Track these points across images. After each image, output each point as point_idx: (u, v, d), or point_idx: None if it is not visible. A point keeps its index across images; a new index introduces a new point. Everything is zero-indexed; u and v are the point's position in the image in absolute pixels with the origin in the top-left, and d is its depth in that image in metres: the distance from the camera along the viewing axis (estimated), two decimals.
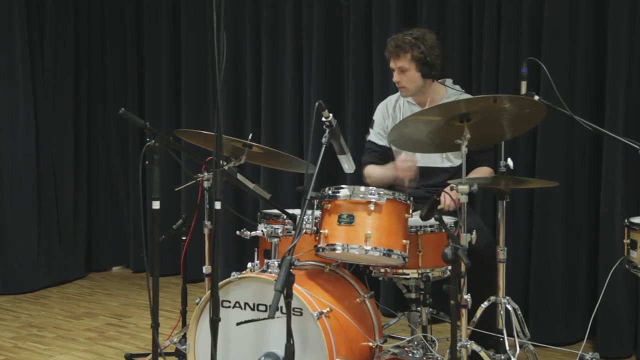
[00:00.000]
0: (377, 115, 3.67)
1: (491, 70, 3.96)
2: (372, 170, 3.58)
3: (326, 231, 2.84)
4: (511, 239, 3.65)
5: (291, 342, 2.45)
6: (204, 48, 5.21)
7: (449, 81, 3.57)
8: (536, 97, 2.91)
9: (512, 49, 3.88)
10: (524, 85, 3.02)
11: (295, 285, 2.49)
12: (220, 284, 2.70)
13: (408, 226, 2.91)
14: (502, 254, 3.06)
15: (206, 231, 3.34)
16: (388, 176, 3.47)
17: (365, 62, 4.45)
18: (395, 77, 3.45)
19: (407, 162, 3.36)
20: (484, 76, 3.99)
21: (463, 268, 2.64)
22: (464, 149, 2.79)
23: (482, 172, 3.49)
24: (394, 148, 3.54)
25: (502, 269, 3.06)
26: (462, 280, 2.72)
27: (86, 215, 5.57)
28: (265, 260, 2.91)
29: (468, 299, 2.82)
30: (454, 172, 3.51)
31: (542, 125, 3.64)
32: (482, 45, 4.01)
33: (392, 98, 3.67)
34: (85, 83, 5.53)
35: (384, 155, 3.62)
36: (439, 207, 2.81)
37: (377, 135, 3.64)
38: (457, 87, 3.60)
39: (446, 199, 3.24)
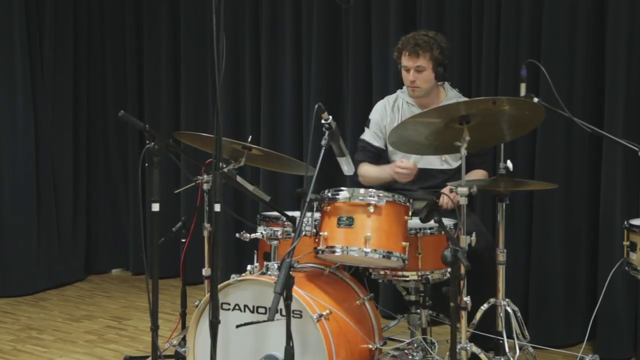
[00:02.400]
0: (374, 115, 3.64)
1: (490, 72, 3.96)
2: (366, 170, 3.56)
3: (326, 233, 2.84)
4: (511, 241, 3.65)
5: (291, 344, 2.46)
6: (204, 49, 5.20)
7: (446, 84, 3.57)
8: (535, 99, 2.91)
9: (512, 50, 3.88)
10: (523, 87, 3.03)
11: (294, 287, 2.50)
12: (219, 286, 2.70)
13: (407, 228, 2.91)
14: (501, 256, 3.06)
15: (206, 233, 3.33)
16: (384, 177, 3.46)
17: (365, 63, 4.44)
18: (412, 77, 3.41)
19: (406, 168, 3.32)
20: (483, 78, 3.99)
21: (462, 270, 2.64)
22: (464, 151, 2.79)
23: (476, 175, 3.49)
24: (389, 149, 3.53)
25: (501, 271, 3.06)
26: (461, 282, 2.72)
27: (85, 217, 5.55)
28: (265, 263, 2.91)
29: (468, 301, 2.82)
30: (451, 174, 3.51)
31: (542, 127, 3.64)
32: (481, 47, 4.00)
33: (391, 98, 3.65)
34: (84, 83, 5.52)
35: (378, 157, 3.60)
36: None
37: (373, 135, 3.61)
38: (456, 90, 3.60)
39: (444, 200, 3.24)
